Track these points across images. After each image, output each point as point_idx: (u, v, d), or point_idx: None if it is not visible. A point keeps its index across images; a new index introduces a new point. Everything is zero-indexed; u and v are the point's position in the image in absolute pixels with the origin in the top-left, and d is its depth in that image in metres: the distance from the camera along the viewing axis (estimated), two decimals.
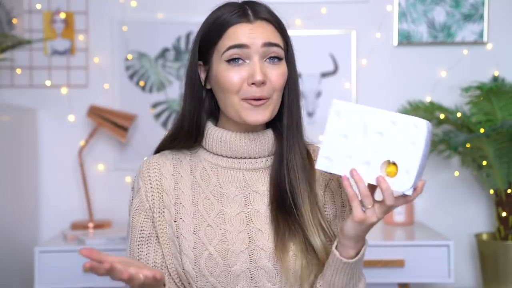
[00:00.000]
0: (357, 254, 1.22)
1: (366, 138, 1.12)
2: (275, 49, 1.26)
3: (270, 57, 1.26)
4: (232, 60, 1.25)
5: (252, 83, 1.24)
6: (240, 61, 1.25)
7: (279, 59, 1.27)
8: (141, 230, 1.30)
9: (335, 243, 1.23)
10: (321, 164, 1.18)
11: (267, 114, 1.27)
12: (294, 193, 1.28)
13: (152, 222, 1.30)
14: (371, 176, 1.14)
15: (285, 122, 1.32)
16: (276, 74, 1.26)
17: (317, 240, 1.26)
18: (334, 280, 1.23)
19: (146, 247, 1.29)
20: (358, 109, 1.13)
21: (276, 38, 1.27)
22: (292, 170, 1.29)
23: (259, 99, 1.25)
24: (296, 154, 1.31)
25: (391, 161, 1.13)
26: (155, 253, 1.29)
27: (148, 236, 1.30)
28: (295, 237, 1.26)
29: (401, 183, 1.12)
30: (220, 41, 1.26)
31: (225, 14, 1.26)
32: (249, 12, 1.27)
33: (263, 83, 1.24)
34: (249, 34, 1.24)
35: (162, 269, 1.29)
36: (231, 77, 1.25)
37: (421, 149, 1.10)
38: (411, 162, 1.11)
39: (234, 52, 1.24)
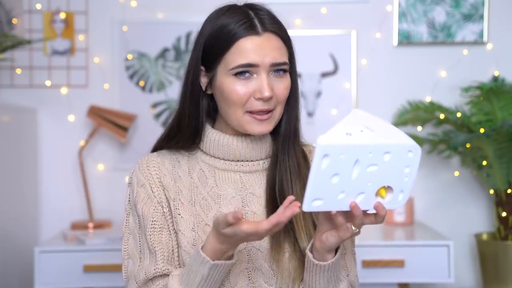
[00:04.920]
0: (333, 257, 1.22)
1: (361, 172, 1.08)
2: (282, 67, 1.27)
3: (276, 70, 1.27)
4: (239, 73, 1.25)
5: (260, 98, 1.25)
6: (247, 74, 1.25)
7: (285, 71, 1.28)
8: (153, 221, 1.29)
9: (309, 246, 1.22)
10: (310, 206, 1.08)
11: (271, 126, 1.29)
12: (284, 197, 1.28)
13: (163, 214, 1.30)
14: (366, 204, 1.12)
15: (283, 128, 1.33)
16: (282, 87, 1.27)
17: (305, 244, 1.27)
18: (312, 283, 1.23)
19: (159, 237, 1.28)
20: (347, 147, 1.05)
21: (283, 55, 1.27)
22: (284, 174, 1.30)
23: (263, 113, 1.26)
24: (290, 159, 1.32)
25: (385, 186, 1.12)
26: (167, 244, 1.29)
27: (161, 227, 1.29)
28: (289, 239, 1.28)
29: (395, 201, 1.13)
30: (227, 54, 1.25)
31: (232, 24, 1.25)
32: (256, 22, 1.25)
33: (270, 98, 1.25)
34: (258, 50, 1.24)
35: (174, 261, 1.29)
36: (238, 90, 1.25)
37: (416, 170, 1.11)
38: (407, 183, 1.12)
39: (243, 70, 1.24)
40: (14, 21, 2.77)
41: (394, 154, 1.08)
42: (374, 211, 1.13)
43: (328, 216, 1.16)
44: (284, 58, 1.27)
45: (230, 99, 1.26)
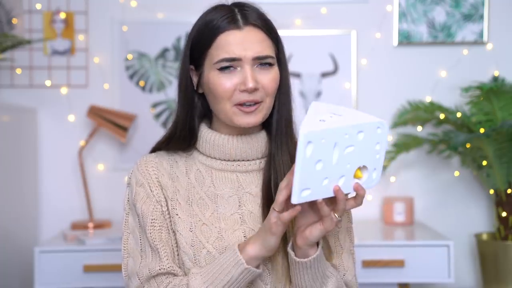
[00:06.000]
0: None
1: (340, 155, 1.11)
2: (266, 60, 1.27)
3: (261, 64, 1.28)
4: (223, 68, 1.26)
5: (244, 90, 1.25)
6: (232, 68, 1.26)
7: (271, 64, 1.29)
8: (152, 219, 1.30)
9: (290, 245, 1.23)
10: (299, 197, 1.10)
11: (259, 118, 1.29)
12: None
13: (162, 213, 1.31)
14: (347, 187, 1.14)
15: (274, 123, 1.33)
16: (268, 79, 1.28)
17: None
18: (298, 281, 1.24)
19: (159, 235, 1.29)
20: (326, 131, 1.08)
21: (267, 48, 1.27)
22: (279, 171, 1.30)
23: (251, 105, 1.26)
24: (283, 154, 1.31)
25: (361, 166, 1.14)
26: (167, 242, 1.29)
27: (160, 226, 1.30)
28: (283, 238, 1.27)
29: (370, 181, 1.16)
30: (211, 49, 1.27)
31: (215, 20, 1.27)
32: (238, 17, 1.27)
33: (255, 89, 1.26)
34: (240, 44, 1.25)
35: (176, 260, 1.29)
36: (223, 84, 1.26)
37: (385, 146, 1.16)
38: (378, 160, 1.16)
39: (226, 64, 1.26)
40: (14, 21, 2.77)
41: (366, 133, 1.12)
42: (353, 194, 1.16)
43: (312, 208, 1.17)
44: (268, 51, 1.27)
45: (217, 93, 1.27)
